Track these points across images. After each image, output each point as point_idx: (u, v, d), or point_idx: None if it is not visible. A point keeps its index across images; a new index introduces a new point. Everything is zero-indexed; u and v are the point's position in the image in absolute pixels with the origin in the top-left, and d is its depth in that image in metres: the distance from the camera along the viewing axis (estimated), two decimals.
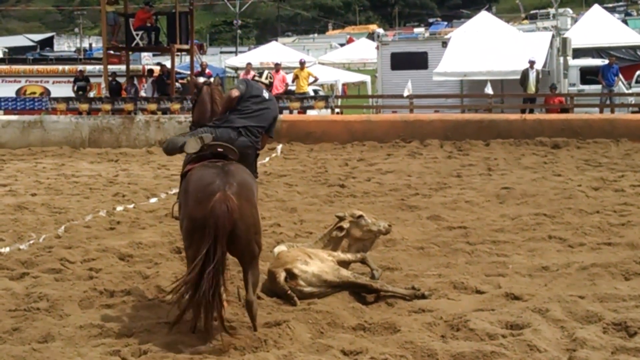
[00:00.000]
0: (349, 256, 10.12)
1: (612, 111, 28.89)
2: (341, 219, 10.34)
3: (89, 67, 35.74)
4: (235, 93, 9.31)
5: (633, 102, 31.17)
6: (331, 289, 9.64)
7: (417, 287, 9.75)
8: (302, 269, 9.64)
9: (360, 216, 10.32)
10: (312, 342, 8.07)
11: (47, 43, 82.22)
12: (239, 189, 8.13)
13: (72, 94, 31.96)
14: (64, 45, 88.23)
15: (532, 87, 30.01)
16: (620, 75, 33.35)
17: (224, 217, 7.83)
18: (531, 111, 28.77)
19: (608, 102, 30.49)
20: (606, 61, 33.70)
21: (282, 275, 9.59)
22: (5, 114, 31.12)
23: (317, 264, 9.61)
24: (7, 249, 12.48)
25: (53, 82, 35.74)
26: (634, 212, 14.33)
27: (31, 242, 12.92)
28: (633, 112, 29.20)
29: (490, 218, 14.38)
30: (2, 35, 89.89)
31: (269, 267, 9.94)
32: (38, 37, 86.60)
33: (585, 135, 24.35)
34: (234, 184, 8.14)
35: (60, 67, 36.99)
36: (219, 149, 8.88)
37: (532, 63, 29.88)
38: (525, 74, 29.91)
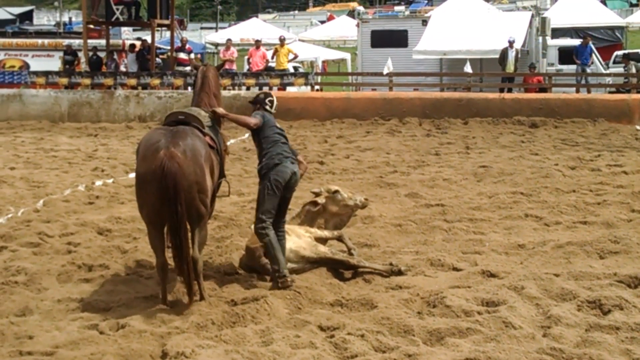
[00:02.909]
0: (325, 233, 10.12)
1: (589, 91, 28.94)
2: (317, 194, 10.33)
3: (71, 41, 35.45)
4: (254, 121, 9.41)
5: (610, 82, 31.25)
6: (309, 265, 9.65)
7: (395, 264, 9.78)
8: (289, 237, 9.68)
9: (336, 191, 10.30)
10: (290, 318, 8.10)
11: (27, 16, 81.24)
12: (184, 148, 8.26)
13: (52, 68, 31.68)
14: (43, 19, 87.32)
15: (511, 67, 30.00)
16: (598, 55, 33.41)
17: (168, 173, 8.01)
18: (509, 90, 28.80)
19: (584, 82, 30.55)
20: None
21: (259, 251, 9.59)
22: None
23: (294, 240, 9.61)
24: None
25: (32, 56, 35.40)
26: (610, 192, 14.40)
27: (9, 215, 12.85)
28: (610, 92, 29.27)
29: (468, 196, 14.41)
30: None
31: (246, 243, 9.94)
32: (17, 10, 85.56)
33: (562, 114, 24.40)
34: (179, 143, 8.27)
35: (40, 41, 36.64)
36: (180, 117, 9.08)
37: (511, 42, 29.87)
38: (504, 53, 29.89)
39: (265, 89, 27.15)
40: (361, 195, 10.86)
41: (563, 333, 7.45)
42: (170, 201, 8.06)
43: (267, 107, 9.67)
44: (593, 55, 32.14)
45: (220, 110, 9.55)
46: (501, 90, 28.28)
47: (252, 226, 10.31)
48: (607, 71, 33.67)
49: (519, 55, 30.23)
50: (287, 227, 9.68)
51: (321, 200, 10.26)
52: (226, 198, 13.51)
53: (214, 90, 9.90)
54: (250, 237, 10.03)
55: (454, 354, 7.00)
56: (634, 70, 30.18)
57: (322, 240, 10.04)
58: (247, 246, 9.85)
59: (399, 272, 9.59)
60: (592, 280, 9.08)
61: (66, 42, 34.89)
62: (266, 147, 9.40)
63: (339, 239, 10.16)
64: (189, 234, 8.54)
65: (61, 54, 33.54)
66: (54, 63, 33.60)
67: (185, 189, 8.15)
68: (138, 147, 8.74)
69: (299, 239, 9.72)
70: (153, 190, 8.14)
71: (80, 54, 32.24)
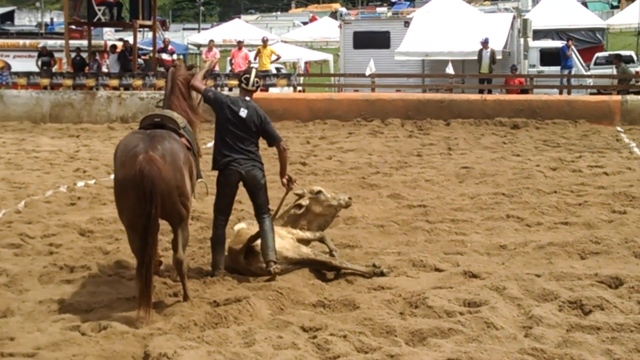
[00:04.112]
0: (307, 234, 10.11)
1: (569, 92, 29.05)
2: (300, 196, 10.30)
3: (50, 42, 35.32)
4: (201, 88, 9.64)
5: (591, 83, 31.39)
6: (291, 265, 9.65)
7: (377, 265, 9.79)
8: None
9: (319, 192, 10.28)
10: (272, 319, 8.10)
11: (8, 17, 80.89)
12: (163, 152, 8.22)
13: (33, 69, 31.53)
14: (25, 19, 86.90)
15: (485, 68, 30.02)
16: (579, 57, 33.55)
17: (147, 177, 7.93)
18: (489, 91, 28.87)
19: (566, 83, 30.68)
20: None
21: (242, 253, 9.59)
22: None
23: (277, 240, 9.60)
24: None
25: (14, 57, 35.25)
26: (591, 192, 14.46)
27: None
28: (591, 94, 29.40)
29: (450, 197, 14.44)
30: None
31: (229, 244, 9.92)
32: None
33: (544, 116, 24.46)
34: (157, 147, 8.24)
35: (21, 42, 36.52)
36: (156, 119, 9.06)
37: (484, 43, 29.90)
38: (480, 54, 29.93)
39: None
40: (344, 194, 10.84)
41: (544, 333, 7.48)
42: (146, 203, 7.98)
43: (243, 85, 9.65)
44: (573, 56, 32.28)
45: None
46: (480, 92, 28.36)
47: (235, 227, 10.32)
48: (588, 73, 33.84)
49: (495, 56, 30.24)
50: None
51: (305, 201, 10.24)
52: (208, 199, 13.51)
53: (184, 92, 9.77)
54: (232, 238, 10.01)
55: (436, 355, 7.01)
56: (623, 71, 30.42)
57: (304, 242, 10.03)
58: (229, 247, 9.84)
59: (381, 274, 9.60)
60: (573, 281, 9.12)
61: (41, 43, 34.74)
62: (216, 137, 9.49)
63: (321, 240, 10.15)
64: (173, 236, 8.58)
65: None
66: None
67: (165, 193, 8.10)
68: (115, 151, 8.66)
69: (281, 240, 9.71)
70: (133, 195, 8.06)
71: (60, 55, 32.09)
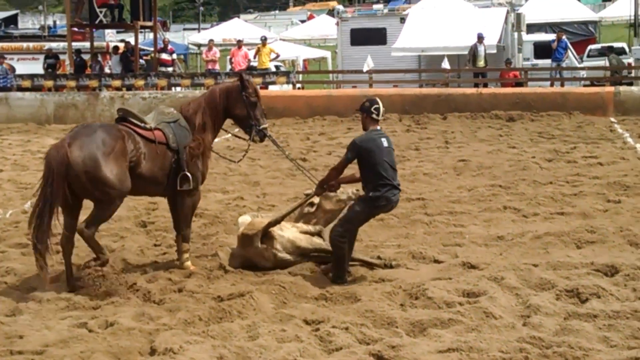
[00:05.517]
0: (309, 228, 10.10)
1: (562, 85, 29.03)
2: (310, 195, 10.21)
3: (53, 45, 35.31)
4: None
5: (585, 75, 31.37)
6: (300, 257, 9.65)
7: (383, 258, 9.80)
8: (279, 233, 9.67)
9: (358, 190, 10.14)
10: (275, 312, 8.11)
11: (12, 20, 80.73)
12: (81, 142, 9.01)
13: (37, 71, 31.51)
14: (28, 22, 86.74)
15: (481, 62, 29.97)
16: (572, 50, 33.51)
17: (52, 160, 8.90)
18: (485, 85, 28.84)
19: (559, 76, 30.63)
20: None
21: (258, 236, 9.55)
22: None
23: (291, 231, 9.62)
24: None
25: (18, 59, 35.25)
26: (586, 183, 14.47)
27: None
28: (585, 86, 29.37)
29: (448, 190, 14.45)
30: None
31: (242, 230, 9.84)
32: (2, 14, 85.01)
33: (539, 108, 24.46)
34: (78, 138, 9.08)
35: (25, 44, 36.58)
36: (119, 113, 9.84)
37: (480, 38, 29.87)
38: (474, 49, 29.86)
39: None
40: (351, 187, 10.78)
41: (542, 322, 7.49)
42: (45, 181, 8.94)
43: (374, 116, 9.41)
44: (568, 50, 32.22)
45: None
46: (475, 85, 28.33)
47: (239, 219, 10.30)
48: (582, 65, 33.80)
49: (487, 51, 30.17)
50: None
51: (316, 200, 10.16)
52: (211, 196, 13.51)
53: (209, 106, 10.00)
54: (247, 225, 9.94)
55: (436, 345, 7.02)
56: (615, 63, 30.40)
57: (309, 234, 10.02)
58: (243, 233, 9.76)
59: (390, 266, 9.62)
60: (569, 270, 9.13)
61: (47, 45, 34.76)
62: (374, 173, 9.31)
63: (319, 234, 10.13)
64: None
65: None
66: (39, 66, 33.46)
67: (71, 176, 8.90)
68: None
69: (295, 230, 9.71)
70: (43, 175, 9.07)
71: (64, 57, 32.09)
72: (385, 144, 9.23)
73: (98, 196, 9.15)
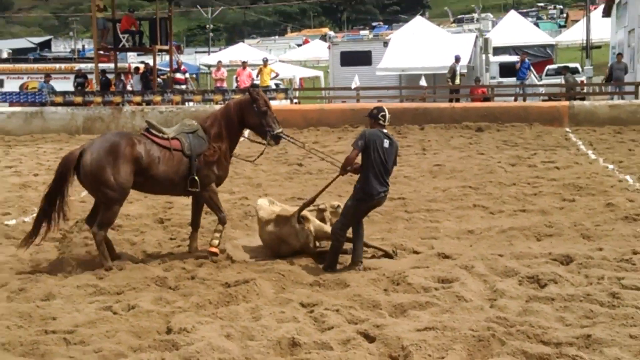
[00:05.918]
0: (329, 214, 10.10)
1: (524, 99, 29.04)
2: (323, 210, 10.11)
3: (82, 66, 35.24)
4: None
5: (543, 92, 31.40)
6: (319, 242, 9.72)
7: (392, 248, 9.82)
8: (312, 217, 9.63)
9: (338, 206, 10.03)
10: (276, 297, 8.11)
11: (46, 45, 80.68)
12: (92, 149, 9.30)
13: (68, 89, 31.39)
14: (60, 46, 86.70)
15: (457, 80, 30.02)
16: (533, 70, 33.54)
17: (65, 159, 9.42)
18: (457, 100, 28.84)
19: (521, 92, 30.66)
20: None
21: (295, 217, 9.54)
22: (10, 106, 30.49)
23: (316, 221, 9.66)
24: (14, 221, 12.37)
25: (52, 79, 35.15)
26: (544, 184, 14.49)
27: (34, 215, 12.72)
28: (543, 101, 29.38)
29: (425, 190, 14.45)
30: (6, 39, 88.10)
31: (260, 214, 9.88)
32: (38, 39, 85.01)
33: (504, 120, 24.43)
34: (93, 144, 9.41)
35: (58, 66, 36.41)
36: (146, 125, 9.97)
37: (457, 59, 29.89)
38: (453, 69, 29.90)
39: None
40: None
41: (507, 304, 7.50)
42: (59, 179, 9.37)
43: (381, 122, 9.27)
44: (529, 69, 32.26)
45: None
46: (450, 101, 28.34)
47: (257, 201, 10.31)
48: (541, 82, 33.83)
49: (460, 71, 30.22)
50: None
51: (328, 215, 10.07)
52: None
53: (224, 119, 10.06)
54: (279, 209, 9.98)
55: (415, 324, 7.02)
56: (570, 80, 30.46)
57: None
58: (277, 215, 9.74)
59: (395, 254, 9.66)
60: (530, 259, 9.14)
61: (77, 67, 34.75)
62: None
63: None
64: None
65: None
66: (70, 84, 33.37)
67: (82, 178, 9.34)
68: None
69: (317, 220, 9.75)
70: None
71: (91, 76, 32.07)
72: (386, 144, 9.14)
73: (100, 196, 9.39)
